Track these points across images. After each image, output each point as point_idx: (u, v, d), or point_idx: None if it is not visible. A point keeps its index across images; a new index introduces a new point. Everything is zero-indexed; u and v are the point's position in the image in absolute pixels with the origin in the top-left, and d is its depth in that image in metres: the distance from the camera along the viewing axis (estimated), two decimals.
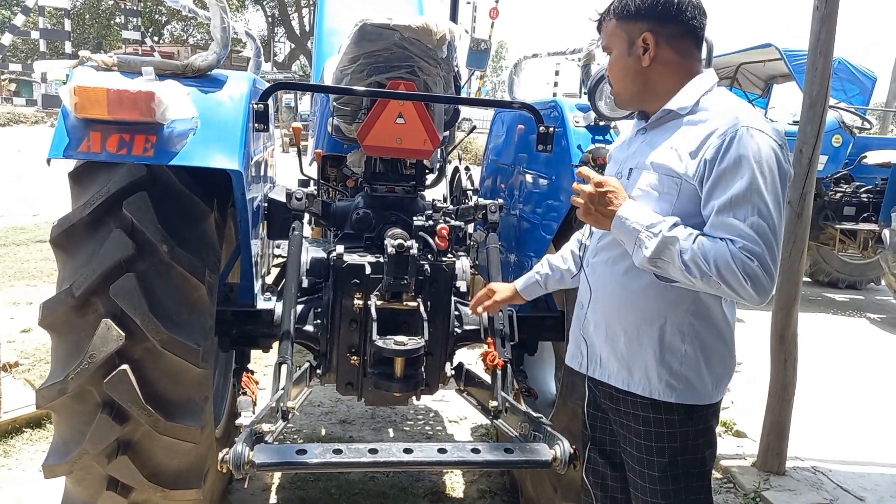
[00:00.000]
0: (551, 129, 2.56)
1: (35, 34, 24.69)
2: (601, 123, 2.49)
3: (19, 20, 24.61)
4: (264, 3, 37.13)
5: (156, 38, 29.61)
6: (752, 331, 4.69)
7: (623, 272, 1.66)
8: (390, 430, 3.76)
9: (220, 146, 2.09)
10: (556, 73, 24.41)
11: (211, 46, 2.22)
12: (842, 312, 7.05)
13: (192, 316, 2.12)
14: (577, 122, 2.53)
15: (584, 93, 2.54)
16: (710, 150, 1.49)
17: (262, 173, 2.81)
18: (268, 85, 2.48)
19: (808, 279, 8.10)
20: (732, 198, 1.45)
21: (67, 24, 24.76)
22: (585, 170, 1.65)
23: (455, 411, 3.98)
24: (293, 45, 35.18)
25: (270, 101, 2.44)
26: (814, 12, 3.07)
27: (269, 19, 37.40)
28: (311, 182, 3.44)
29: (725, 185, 1.46)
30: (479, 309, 2.20)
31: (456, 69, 2.97)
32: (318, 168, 3.42)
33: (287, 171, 3.70)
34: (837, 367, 5.22)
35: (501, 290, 2.16)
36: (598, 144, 2.37)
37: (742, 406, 4.09)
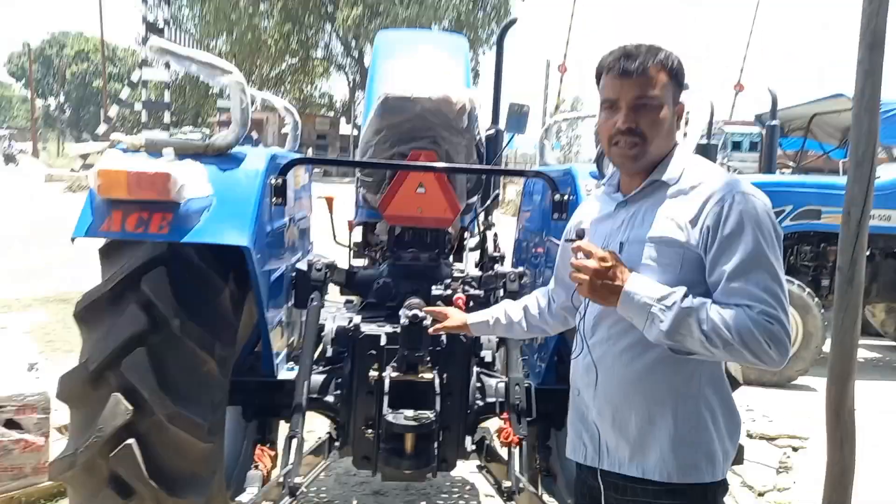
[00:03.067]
0: (566, 196, 2.52)
1: (138, 106, 26.75)
2: None
3: (125, 93, 26.90)
4: (346, 68, 39.00)
5: (253, 107, 31.38)
6: (820, 402, 4.35)
7: (625, 351, 1.59)
8: None
9: (231, 222, 2.17)
10: None
11: (231, 126, 2.33)
12: None
13: (201, 389, 2.16)
14: (590, 190, 2.48)
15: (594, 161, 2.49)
16: (711, 216, 1.49)
17: (288, 244, 2.88)
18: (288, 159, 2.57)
19: (894, 343, 7.48)
20: (742, 262, 1.45)
21: (167, 96, 26.72)
22: (585, 244, 1.59)
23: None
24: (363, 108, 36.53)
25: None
26: (857, 67, 2.92)
27: (351, 84, 39.16)
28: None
29: (732, 250, 1.46)
30: (430, 330, 2.25)
31: (478, 137, 2.99)
32: (350, 237, 3.49)
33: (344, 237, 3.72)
34: None
35: (454, 316, 2.17)
36: None
37: (804, 487, 3.76)
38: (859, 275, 2.99)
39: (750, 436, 4.45)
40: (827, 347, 5.87)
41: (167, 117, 26.13)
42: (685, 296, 1.45)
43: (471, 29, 32.56)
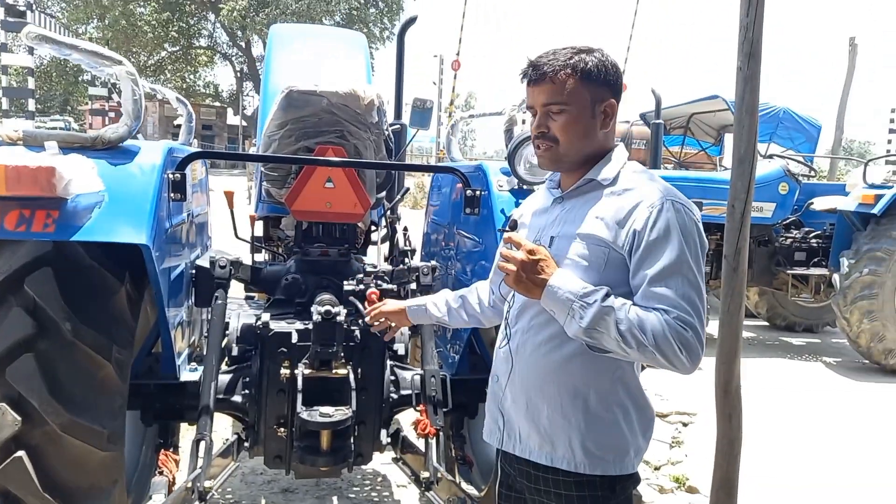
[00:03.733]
0: (478, 192, 2.55)
1: None
2: (524, 187, 2.49)
3: None
4: (233, 58, 37.55)
5: None
6: (706, 380, 4.68)
7: (545, 342, 1.62)
8: (335, 499, 3.62)
9: (127, 219, 2.03)
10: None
11: (122, 118, 2.19)
12: (798, 357, 7.09)
13: (98, 396, 2.03)
14: (501, 186, 2.53)
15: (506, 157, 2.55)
16: (639, 221, 1.52)
17: (187, 241, 2.75)
18: (186, 153, 2.44)
19: (766, 323, 8.18)
20: (664, 268, 1.48)
21: (31, 83, 24.62)
22: (515, 236, 1.62)
23: (403, 476, 3.85)
24: (259, 101, 35.47)
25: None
26: (737, 73, 3.14)
27: (238, 74, 37.76)
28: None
29: (655, 255, 1.50)
30: (367, 319, 2.18)
31: (387, 132, 2.97)
32: (252, 231, 3.37)
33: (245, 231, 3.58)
34: (792, 415, 5.20)
35: (391, 305, 2.15)
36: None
37: (695, 460, 4.03)
38: (743, 263, 3.23)
39: None
40: (710, 329, 6.36)
41: (31, 105, 24.07)
42: (606, 295, 1.49)
43: (364, 24, 32.26)
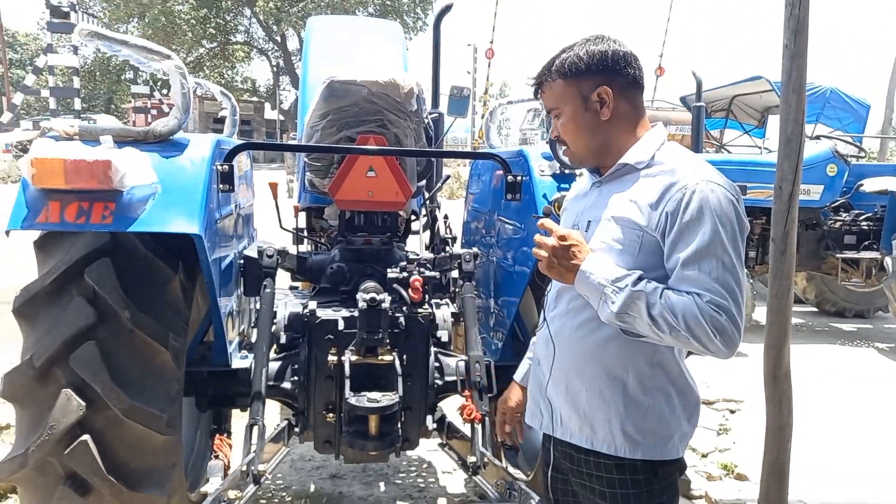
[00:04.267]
0: (518, 177, 2.55)
1: (45, 92, 25.29)
2: (566, 172, 2.48)
3: (30, 80, 25.33)
4: (269, 52, 37.97)
5: (164, 92, 30.25)
6: (754, 366, 4.60)
7: (582, 325, 1.61)
8: (381, 485, 3.67)
9: (179, 210, 2.09)
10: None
11: (172, 111, 2.25)
12: (849, 343, 6.90)
13: (157, 381, 2.10)
14: (543, 171, 2.53)
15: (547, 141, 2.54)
16: (672, 202, 1.49)
17: (235, 231, 2.81)
18: (233, 145, 2.49)
19: (816, 309, 7.98)
20: (697, 251, 1.45)
21: (76, 82, 25.38)
22: (548, 222, 1.62)
23: (449, 462, 3.89)
24: (298, 93, 35.80)
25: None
26: (784, 51, 3.06)
27: (275, 68, 38.18)
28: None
29: (688, 237, 1.46)
30: (507, 432, 1.98)
31: (426, 120, 2.99)
32: (296, 222, 3.43)
33: (289, 222, 3.63)
34: (843, 401, 5.08)
35: (511, 397, 1.97)
36: (561, 193, 2.36)
37: (744, 447, 3.97)
38: (791, 245, 3.16)
39: None
40: (756, 315, 6.24)
41: (77, 104, 24.81)
42: (639, 279, 1.47)
43: (397, 14, 32.28)
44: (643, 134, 1.62)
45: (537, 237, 1.59)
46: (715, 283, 1.43)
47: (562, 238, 1.54)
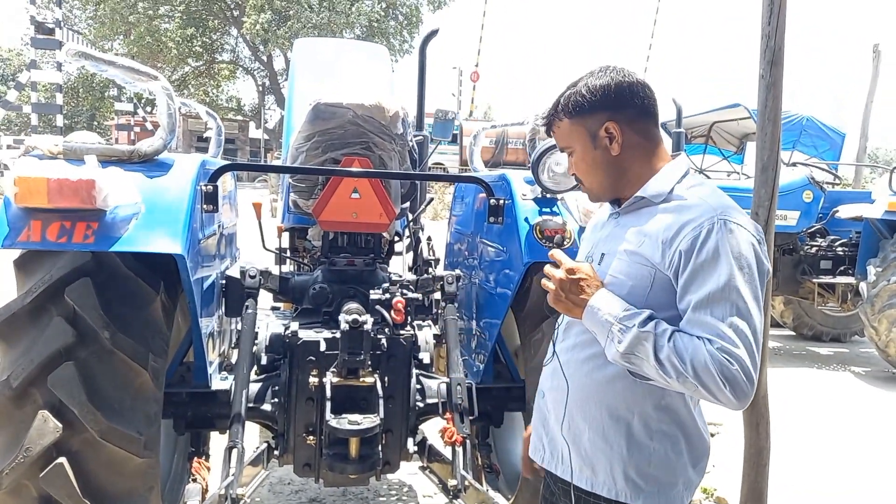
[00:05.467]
0: (501, 201, 2.58)
1: (27, 108, 25.06)
2: (547, 196, 2.52)
3: (12, 95, 25.09)
4: (255, 72, 38.04)
5: (148, 109, 30.15)
6: None
7: (588, 360, 1.55)
8: None
9: (162, 230, 2.09)
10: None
11: (157, 132, 2.26)
12: (826, 366, 6.98)
13: (135, 403, 2.08)
14: (525, 195, 2.56)
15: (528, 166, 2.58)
16: (686, 241, 1.41)
17: (218, 251, 2.81)
18: (217, 166, 2.50)
19: (793, 333, 8.08)
20: (710, 294, 1.37)
21: (59, 98, 25.21)
22: (558, 253, 1.56)
23: (429, 485, 3.86)
24: (283, 113, 35.85)
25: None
26: (760, 81, 3.15)
27: (260, 88, 38.23)
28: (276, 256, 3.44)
29: (703, 280, 1.39)
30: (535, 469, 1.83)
31: (411, 143, 3.02)
32: (279, 242, 3.43)
33: (272, 242, 3.62)
34: (820, 424, 5.13)
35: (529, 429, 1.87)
36: (544, 217, 2.39)
37: (724, 471, 3.99)
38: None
39: None
40: None
41: (60, 121, 24.62)
42: (648, 319, 1.40)
43: (383, 37, 32.53)
44: (662, 165, 1.56)
45: (546, 268, 1.55)
46: (728, 328, 1.35)
47: (570, 271, 1.50)
